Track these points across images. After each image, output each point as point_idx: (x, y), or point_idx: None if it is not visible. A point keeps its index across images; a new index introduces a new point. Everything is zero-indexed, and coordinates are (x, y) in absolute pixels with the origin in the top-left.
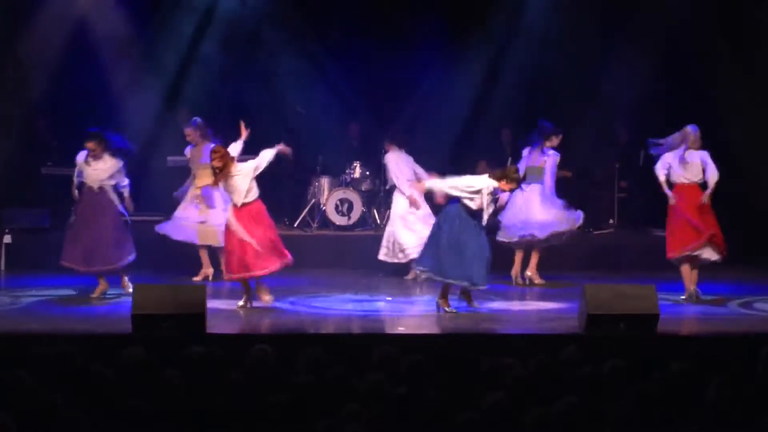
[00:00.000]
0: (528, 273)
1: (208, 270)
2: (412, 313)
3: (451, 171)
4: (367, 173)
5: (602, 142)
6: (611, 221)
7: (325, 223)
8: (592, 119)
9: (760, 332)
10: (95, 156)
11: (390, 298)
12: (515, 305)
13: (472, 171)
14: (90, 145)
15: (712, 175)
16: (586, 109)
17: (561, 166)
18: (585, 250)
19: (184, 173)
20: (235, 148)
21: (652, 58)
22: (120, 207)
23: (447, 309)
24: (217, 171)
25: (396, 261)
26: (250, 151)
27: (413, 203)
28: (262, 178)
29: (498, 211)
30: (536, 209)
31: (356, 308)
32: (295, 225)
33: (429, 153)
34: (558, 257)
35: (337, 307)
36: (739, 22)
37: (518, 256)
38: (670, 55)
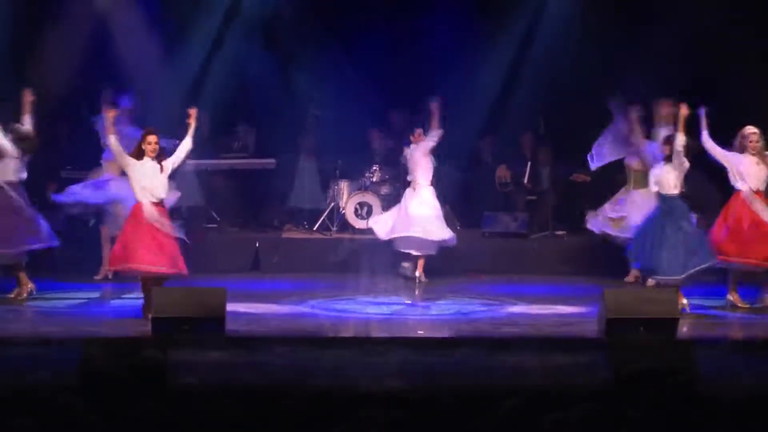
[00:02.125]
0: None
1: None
2: (431, 317)
3: (470, 174)
4: (387, 177)
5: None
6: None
7: (345, 226)
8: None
9: None
10: None
11: (409, 302)
12: (534, 309)
13: (491, 176)
14: None
15: None
16: (606, 112)
17: (579, 170)
18: (606, 255)
19: (203, 176)
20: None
21: (677, 61)
22: None
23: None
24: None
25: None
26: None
27: None
28: (284, 180)
29: None
30: None
31: (375, 311)
32: (315, 228)
33: (448, 157)
34: (576, 261)
35: (357, 310)
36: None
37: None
38: (695, 59)
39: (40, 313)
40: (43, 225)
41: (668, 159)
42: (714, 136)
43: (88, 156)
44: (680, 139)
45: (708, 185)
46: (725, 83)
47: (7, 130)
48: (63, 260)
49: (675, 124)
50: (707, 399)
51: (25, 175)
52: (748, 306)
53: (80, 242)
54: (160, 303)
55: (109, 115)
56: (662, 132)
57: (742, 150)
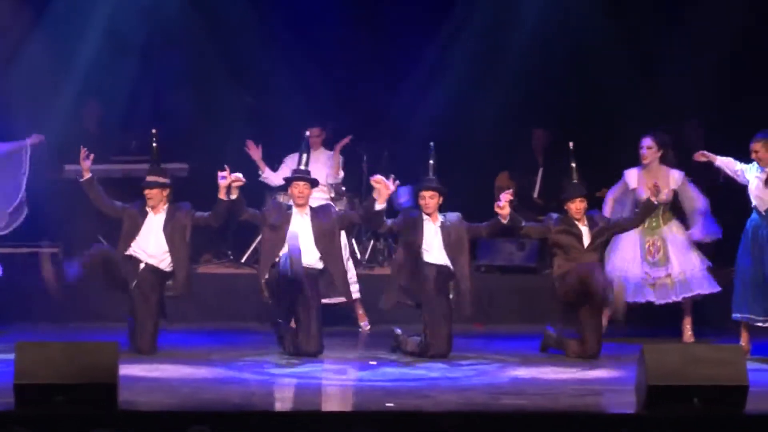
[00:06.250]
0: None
1: None
2: (406, 383)
3: (464, 183)
4: (343, 189)
5: (668, 152)
6: None
7: None
8: (652, 122)
9: None
10: None
11: (374, 362)
12: (547, 373)
13: (491, 183)
14: None
15: None
16: (643, 108)
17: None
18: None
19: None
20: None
21: (730, 40)
22: None
23: None
24: None
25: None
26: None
27: None
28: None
29: None
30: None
31: (327, 376)
32: (243, 260)
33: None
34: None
35: (302, 373)
36: None
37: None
38: (750, 39)
39: None
40: None
41: None
42: None
43: None
44: None
45: None
46: None
47: None
48: None
49: None
50: None
51: None
52: None
53: None
54: (25, 364)
55: None
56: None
57: None
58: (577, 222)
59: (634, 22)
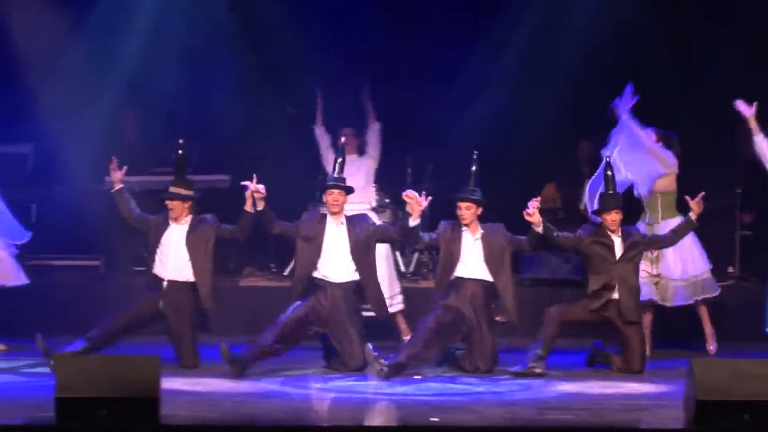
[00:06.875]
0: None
1: None
2: (451, 397)
3: (509, 194)
4: (387, 200)
5: (717, 156)
6: (730, 269)
7: None
8: (701, 125)
9: None
10: None
11: (419, 377)
12: (593, 387)
13: (537, 195)
14: None
15: None
16: (692, 111)
17: None
18: (692, 310)
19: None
20: None
21: None
22: None
23: None
24: None
25: None
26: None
27: None
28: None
29: None
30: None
31: (371, 390)
32: (285, 273)
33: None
34: (653, 320)
35: (345, 388)
36: None
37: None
38: None
39: None
40: None
41: None
42: None
43: None
44: None
45: None
46: None
47: None
48: None
49: None
50: None
51: None
52: None
53: None
54: (67, 377)
55: None
56: None
57: None
58: (611, 233)
59: (684, 28)
